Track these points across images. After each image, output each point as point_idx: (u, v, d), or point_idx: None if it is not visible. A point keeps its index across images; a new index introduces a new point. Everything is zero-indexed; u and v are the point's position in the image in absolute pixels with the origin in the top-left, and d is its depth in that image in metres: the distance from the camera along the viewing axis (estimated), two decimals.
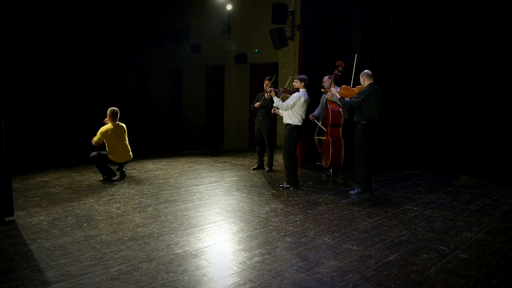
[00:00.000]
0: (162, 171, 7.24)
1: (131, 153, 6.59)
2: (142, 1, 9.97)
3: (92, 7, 8.60)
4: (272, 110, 6.64)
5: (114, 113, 6.37)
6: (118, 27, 9.19)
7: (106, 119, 6.40)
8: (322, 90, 6.59)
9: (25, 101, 7.60)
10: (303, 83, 6.03)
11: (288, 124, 6.06)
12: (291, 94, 6.10)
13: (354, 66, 6.18)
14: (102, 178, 6.39)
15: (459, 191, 6.18)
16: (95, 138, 6.26)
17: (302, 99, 5.92)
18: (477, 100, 6.87)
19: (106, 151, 6.36)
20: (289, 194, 5.85)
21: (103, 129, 6.30)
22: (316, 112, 6.79)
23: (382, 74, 7.21)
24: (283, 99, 6.20)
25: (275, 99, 6.18)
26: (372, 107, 5.66)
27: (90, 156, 6.34)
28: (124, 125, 6.53)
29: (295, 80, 6.14)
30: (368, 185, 5.85)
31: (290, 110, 5.98)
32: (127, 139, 6.54)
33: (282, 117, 6.23)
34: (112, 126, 6.34)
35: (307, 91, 6.08)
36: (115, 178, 6.49)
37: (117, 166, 6.54)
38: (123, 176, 6.56)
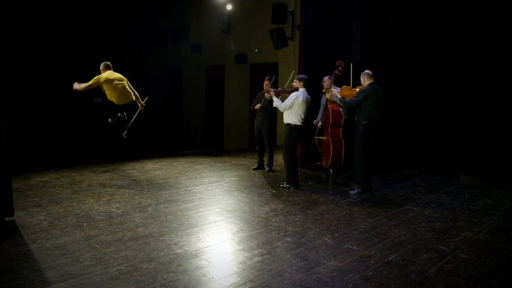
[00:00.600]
0: (162, 171, 7.24)
1: (133, 95, 6.33)
2: (142, 1, 9.98)
3: (92, 7, 8.60)
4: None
5: (106, 65, 6.25)
6: (118, 27, 9.19)
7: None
8: (323, 90, 6.58)
9: (25, 101, 7.60)
10: (302, 83, 6.03)
11: (287, 124, 6.07)
12: (290, 94, 6.10)
13: (351, 74, 6.18)
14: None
15: (459, 191, 6.18)
16: (83, 84, 5.98)
17: (300, 99, 5.91)
18: (477, 100, 6.87)
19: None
20: (289, 194, 5.85)
21: (97, 76, 6.08)
22: (319, 117, 6.78)
23: (382, 74, 7.20)
24: (283, 99, 6.20)
25: (275, 99, 6.19)
26: (372, 106, 5.66)
27: (93, 100, 6.23)
28: (120, 75, 6.31)
29: (295, 80, 6.15)
30: (368, 185, 5.85)
31: (289, 110, 5.98)
32: (127, 83, 6.29)
33: (282, 117, 6.23)
34: (107, 74, 6.13)
35: (307, 90, 6.08)
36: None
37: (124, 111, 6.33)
38: (134, 109, 6.36)
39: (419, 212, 5.06)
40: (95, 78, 6.06)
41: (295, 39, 10.07)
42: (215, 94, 13.52)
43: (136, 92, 6.45)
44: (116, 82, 6.10)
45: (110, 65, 6.35)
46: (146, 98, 6.69)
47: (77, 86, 6.04)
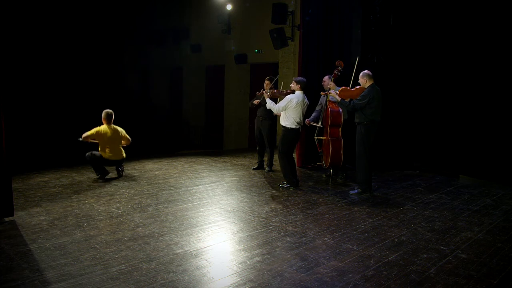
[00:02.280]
0: (162, 171, 7.24)
1: (124, 153, 6.65)
2: (142, 1, 9.97)
3: (92, 7, 8.60)
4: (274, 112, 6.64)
5: (108, 116, 6.43)
6: (118, 27, 9.19)
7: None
8: (321, 93, 6.55)
9: (25, 101, 7.60)
10: (299, 85, 5.96)
11: (283, 126, 6.04)
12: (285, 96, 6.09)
13: (355, 67, 6.15)
14: (97, 177, 6.42)
15: (459, 191, 6.18)
16: (87, 133, 6.30)
17: (294, 102, 5.85)
18: (477, 100, 6.87)
19: (99, 150, 6.44)
20: (289, 194, 5.85)
21: (98, 128, 6.37)
22: (313, 115, 6.78)
23: (382, 74, 7.21)
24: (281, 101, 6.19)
25: (268, 100, 6.18)
26: (375, 109, 5.66)
27: (86, 156, 6.39)
28: (120, 129, 6.57)
29: (293, 81, 6.09)
30: (368, 185, 5.85)
31: (285, 112, 5.95)
32: (121, 142, 6.60)
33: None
34: (107, 128, 6.40)
35: (306, 90, 6.04)
36: (111, 176, 6.50)
37: (114, 166, 6.60)
38: (120, 175, 6.61)
39: (419, 212, 5.06)
40: (95, 130, 6.36)
41: (295, 39, 10.05)
42: (215, 94, 13.50)
43: (129, 139, 6.69)
44: (109, 142, 6.40)
45: (112, 115, 6.48)
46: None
47: (83, 136, 6.36)
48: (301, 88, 5.97)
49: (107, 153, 6.43)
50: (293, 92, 6.03)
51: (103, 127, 6.41)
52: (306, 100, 6.01)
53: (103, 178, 6.43)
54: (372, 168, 5.99)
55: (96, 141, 6.41)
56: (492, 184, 6.57)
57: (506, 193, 6.07)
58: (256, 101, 7.21)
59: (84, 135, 6.30)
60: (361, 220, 4.69)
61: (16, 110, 7.13)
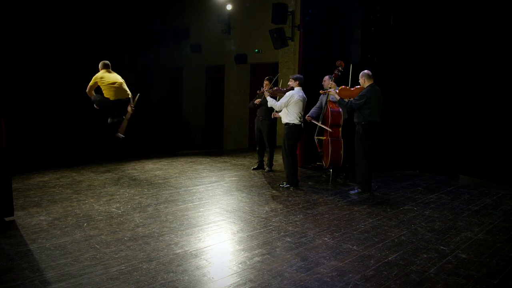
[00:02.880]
0: (162, 171, 7.24)
1: (129, 92, 6.52)
2: (142, 1, 9.98)
3: (92, 7, 8.60)
4: (272, 115, 6.66)
5: (104, 65, 6.41)
6: (118, 27, 9.20)
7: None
8: (321, 92, 6.56)
9: (25, 101, 7.61)
10: (297, 82, 6.06)
11: (286, 124, 6.07)
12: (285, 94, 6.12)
13: (350, 74, 6.18)
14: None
15: (459, 191, 6.18)
16: (88, 86, 6.29)
17: (296, 97, 5.93)
18: (477, 100, 6.86)
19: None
20: (289, 194, 5.85)
21: (95, 76, 6.33)
22: (312, 111, 6.78)
23: (382, 74, 7.20)
24: (280, 99, 6.21)
25: (269, 99, 6.22)
26: (373, 110, 5.66)
27: (92, 99, 6.38)
28: (117, 75, 6.48)
29: (290, 79, 6.18)
30: (368, 185, 5.85)
31: (286, 109, 6.00)
32: (122, 81, 6.46)
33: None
34: (104, 72, 6.35)
35: (305, 90, 6.10)
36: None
37: (123, 108, 6.52)
38: (125, 112, 6.54)
39: (419, 212, 5.06)
40: (93, 78, 6.30)
41: (295, 39, 10.06)
42: (215, 94, 13.51)
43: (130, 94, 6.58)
44: (109, 84, 6.30)
45: (109, 64, 6.45)
46: (138, 95, 6.70)
47: (87, 90, 6.36)
48: (299, 85, 6.06)
49: (112, 95, 6.31)
50: (292, 89, 6.10)
51: (100, 72, 6.34)
52: (305, 96, 6.08)
53: (115, 123, 6.43)
54: (372, 168, 5.99)
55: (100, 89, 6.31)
56: (492, 184, 6.57)
57: (506, 193, 6.07)
58: (257, 101, 7.20)
59: (88, 89, 6.27)
60: (361, 220, 4.69)
61: (16, 110, 7.14)
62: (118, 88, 6.36)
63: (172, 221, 4.50)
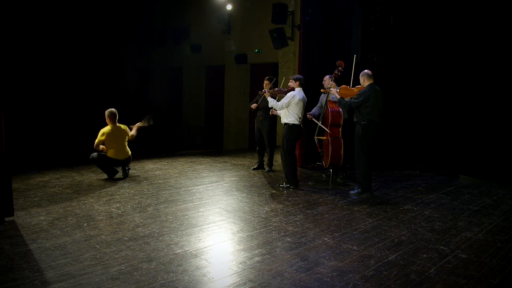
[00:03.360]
0: (162, 171, 7.24)
1: (129, 152, 6.62)
2: (142, 1, 9.99)
3: (93, 8, 8.61)
4: (270, 112, 6.66)
5: (111, 114, 6.41)
6: (119, 27, 9.21)
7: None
8: (322, 90, 6.58)
9: (25, 102, 7.62)
10: (297, 82, 6.08)
11: (285, 124, 6.08)
12: (286, 94, 6.13)
13: (353, 66, 6.17)
14: (104, 177, 6.41)
15: (459, 191, 6.18)
16: (96, 140, 6.32)
17: (297, 98, 5.94)
18: (477, 100, 6.86)
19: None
20: (289, 194, 5.85)
21: (102, 130, 6.37)
22: (314, 110, 6.79)
23: (382, 74, 7.20)
24: (280, 100, 6.22)
25: (270, 99, 6.22)
26: (372, 108, 5.66)
27: (90, 157, 6.37)
28: (124, 127, 6.56)
29: (290, 79, 6.20)
30: (368, 185, 5.85)
31: (287, 109, 6.00)
32: (125, 140, 6.56)
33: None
34: (110, 128, 6.39)
35: (305, 90, 6.10)
36: (118, 176, 6.49)
37: (120, 166, 6.57)
38: (125, 175, 6.58)
39: (419, 212, 5.06)
40: (100, 133, 6.34)
41: (295, 39, 10.06)
42: (215, 94, 13.51)
43: (133, 134, 6.68)
44: (113, 141, 6.37)
45: (115, 114, 6.45)
46: (147, 118, 6.79)
47: (95, 144, 6.35)
48: (300, 85, 6.08)
49: (112, 153, 6.38)
50: (292, 89, 6.10)
51: (107, 128, 6.39)
52: (305, 96, 6.09)
53: (112, 178, 6.41)
54: (372, 168, 5.99)
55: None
56: (492, 184, 6.56)
57: (506, 193, 6.07)
58: (253, 106, 7.22)
59: (96, 144, 6.29)
60: (361, 220, 4.69)
61: (16, 110, 7.14)
62: (121, 147, 6.44)
63: (172, 221, 4.50)
